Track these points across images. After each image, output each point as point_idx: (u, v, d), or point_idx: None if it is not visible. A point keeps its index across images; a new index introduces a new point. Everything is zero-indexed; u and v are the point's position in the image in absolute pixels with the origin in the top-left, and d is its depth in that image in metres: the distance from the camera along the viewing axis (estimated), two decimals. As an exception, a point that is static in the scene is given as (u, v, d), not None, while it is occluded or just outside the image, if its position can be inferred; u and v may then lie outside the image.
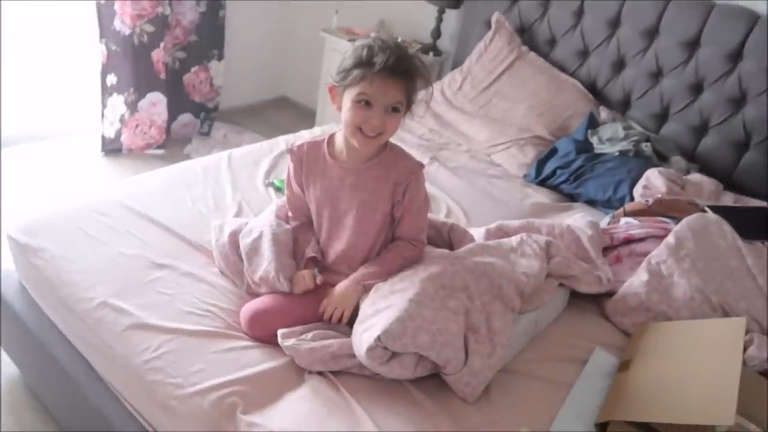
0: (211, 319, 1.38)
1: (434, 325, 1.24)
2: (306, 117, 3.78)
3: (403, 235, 1.48)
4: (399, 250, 1.46)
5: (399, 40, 1.32)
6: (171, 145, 3.24)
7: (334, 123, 2.62)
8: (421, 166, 1.45)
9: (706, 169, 2.41)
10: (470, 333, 1.29)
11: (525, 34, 2.84)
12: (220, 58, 3.28)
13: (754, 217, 2.01)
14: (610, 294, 1.69)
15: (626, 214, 1.94)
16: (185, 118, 3.32)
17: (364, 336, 1.23)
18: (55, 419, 1.69)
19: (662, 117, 2.57)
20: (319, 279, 1.44)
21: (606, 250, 1.81)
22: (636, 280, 1.66)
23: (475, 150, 2.55)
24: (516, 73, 2.72)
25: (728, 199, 2.19)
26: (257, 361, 1.30)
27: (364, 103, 1.30)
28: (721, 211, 1.95)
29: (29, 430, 1.68)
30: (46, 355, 1.54)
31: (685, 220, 1.81)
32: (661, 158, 2.41)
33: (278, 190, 1.95)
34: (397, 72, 1.27)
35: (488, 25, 2.88)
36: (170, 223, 1.67)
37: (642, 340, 1.49)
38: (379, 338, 1.20)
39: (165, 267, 1.51)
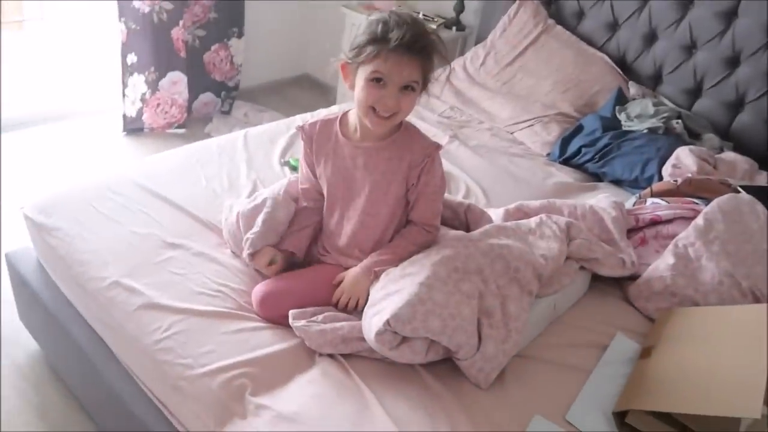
0: (222, 300, 1.37)
1: (446, 309, 1.20)
2: (328, 95, 3.73)
3: (416, 219, 1.43)
4: (412, 236, 1.41)
5: (419, 14, 1.24)
6: (192, 124, 3.24)
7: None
8: (437, 147, 1.38)
9: (740, 148, 2.31)
10: (484, 317, 1.25)
11: (551, 6, 2.74)
12: (240, 35, 3.25)
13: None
14: (633, 277, 1.63)
15: (653, 195, 1.86)
16: (206, 97, 3.31)
17: (373, 320, 1.20)
18: (74, 394, 1.71)
19: (695, 92, 2.45)
20: (275, 266, 1.41)
21: (631, 231, 1.74)
22: (662, 264, 1.60)
23: (497, 128, 2.48)
24: (541, 47, 2.63)
25: (763, 179, 2.09)
26: (267, 343, 1.28)
27: (377, 81, 1.24)
28: (754, 191, 1.86)
29: (52, 406, 1.71)
30: (64, 333, 1.55)
31: (715, 201, 1.73)
32: (693, 136, 2.31)
33: (294, 169, 1.92)
34: (413, 49, 1.21)
35: (514, -2, 2.78)
36: (183, 203, 1.66)
37: (666, 327, 1.43)
38: (388, 322, 1.17)
39: (177, 247, 1.50)
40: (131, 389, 1.38)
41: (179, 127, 3.18)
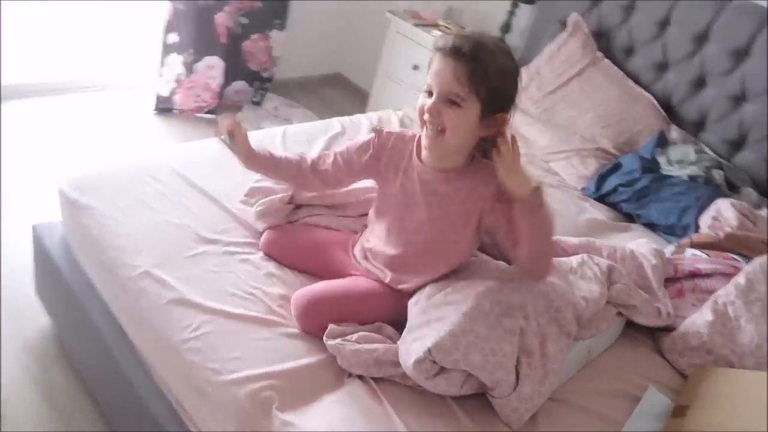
0: (254, 303, 1.33)
1: (487, 344, 1.17)
2: (359, 98, 3.71)
3: (514, 252, 1.29)
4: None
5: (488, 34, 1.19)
6: (222, 111, 3.21)
7: (391, 109, 2.55)
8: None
9: (777, 205, 2.27)
10: (523, 356, 1.21)
11: (602, 38, 2.70)
12: (282, 28, 3.22)
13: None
14: (666, 329, 1.59)
15: (693, 246, 1.82)
16: (239, 85, 3.28)
17: (412, 346, 1.17)
18: (82, 377, 1.68)
19: (738, 144, 2.41)
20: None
21: (668, 281, 1.70)
22: (699, 319, 1.56)
23: (533, 155, 2.44)
24: (587, 79, 2.59)
25: (803, 242, 2.05)
26: (297, 355, 1.24)
27: (427, 91, 1.22)
28: (795, 254, 1.83)
29: (57, 385, 1.67)
30: (83, 315, 1.52)
31: (757, 260, 1.69)
32: (731, 188, 2.27)
33: (331, 173, 1.89)
34: (456, 53, 1.14)
35: (563, 25, 2.75)
36: (220, 196, 1.62)
37: (701, 387, 1.39)
38: (429, 351, 1.13)
39: (211, 242, 1.47)
40: (147, 382, 1.35)
41: (209, 112, 3.15)
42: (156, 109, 3.02)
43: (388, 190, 1.39)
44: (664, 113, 2.52)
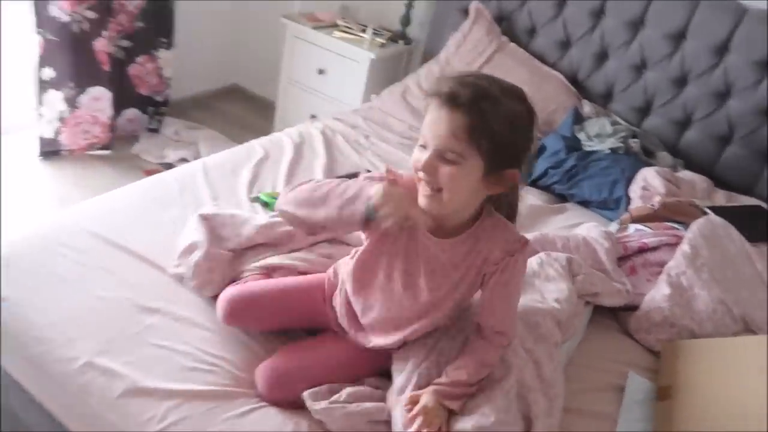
0: (219, 376, 1.19)
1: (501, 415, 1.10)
2: (262, 109, 3.54)
3: (487, 324, 1.16)
4: (482, 355, 1.16)
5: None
6: (117, 145, 2.93)
7: (308, 121, 2.42)
8: (524, 243, 1.12)
9: (688, 164, 2.40)
10: (527, 393, 1.16)
11: (504, 23, 2.72)
12: (169, 46, 2.98)
13: (753, 218, 2.01)
14: (629, 308, 1.62)
15: (633, 220, 1.87)
16: (131, 113, 3.01)
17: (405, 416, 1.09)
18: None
19: (645, 110, 2.52)
20: None
21: (620, 260, 1.73)
22: (657, 294, 1.60)
23: (460, 148, 2.42)
24: (496, 65, 2.60)
25: (720, 197, 2.18)
26: (279, 425, 1.13)
27: (421, 144, 1.05)
28: (720, 212, 1.93)
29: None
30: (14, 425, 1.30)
31: (695, 226, 1.76)
32: (647, 154, 2.37)
33: (265, 205, 1.75)
34: (452, 103, 0.98)
35: (464, 13, 2.74)
36: (151, 254, 1.45)
37: (677, 363, 1.43)
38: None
39: (155, 311, 1.30)
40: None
41: (102, 148, 2.87)
42: (41, 154, 2.70)
43: (383, 246, 1.17)
44: (574, 89, 2.58)
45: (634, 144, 2.33)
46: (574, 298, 1.44)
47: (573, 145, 2.32)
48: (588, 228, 1.76)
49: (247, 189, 1.82)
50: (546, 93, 2.54)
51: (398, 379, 1.17)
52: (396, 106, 2.58)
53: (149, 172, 2.83)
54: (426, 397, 1.10)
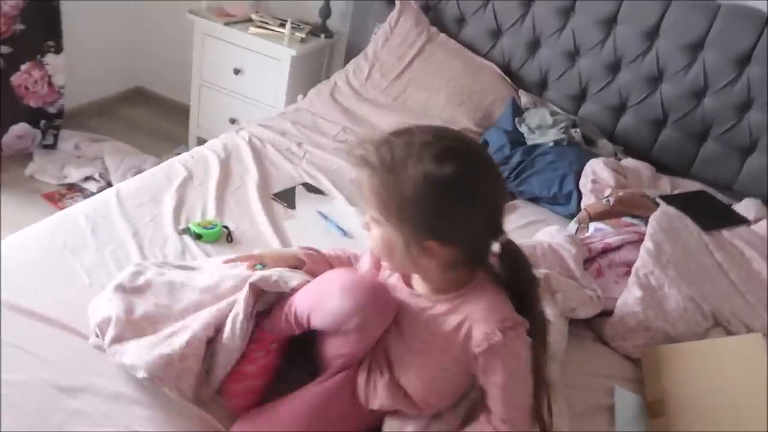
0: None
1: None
2: (174, 114, 3.23)
3: (490, 407, 1.00)
4: None
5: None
6: (7, 167, 2.56)
7: (234, 131, 2.19)
8: (500, 341, 0.93)
9: (626, 150, 2.39)
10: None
11: (430, 12, 2.58)
12: (59, 50, 2.62)
13: (702, 204, 2.01)
14: (601, 314, 1.55)
15: (591, 218, 1.81)
16: (20, 129, 2.63)
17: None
18: None
19: (580, 98, 2.49)
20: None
21: (585, 263, 1.66)
22: (629, 298, 1.54)
23: (399, 149, 2.27)
24: (428, 58, 2.47)
25: (665, 183, 2.17)
26: None
27: None
28: (670, 201, 1.91)
29: None
30: None
31: (653, 221, 1.72)
32: (588, 143, 2.34)
33: (198, 237, 1.53)
34: (362, 165, 0.92)
35: (388, 3, 2.58)
36: (66, 317, 1.20)
37: (661, 373, 1.37)
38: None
39: (80, 391, 1.07)
40: None
41: (-11, 172, 2.49)
42: None
43: None
44: (508, 79, 2.50)
45: (576, 134, 2.29)
46: (561, 325, 1.34)
47: (516, 139, 2.24)
48: (551, 233, 1.67)
49: (172, 219, 1.58)
50: (482, 84, 2.44)
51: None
52: (326, 106, 2.39)
53: (49, 196, 2.50)
54: None
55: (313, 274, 1.13)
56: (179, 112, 3.14)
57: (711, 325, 1.55)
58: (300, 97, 2.51)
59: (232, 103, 2.84)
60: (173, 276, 1.21)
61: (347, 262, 1.25)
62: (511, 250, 0.95)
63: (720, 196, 2.15)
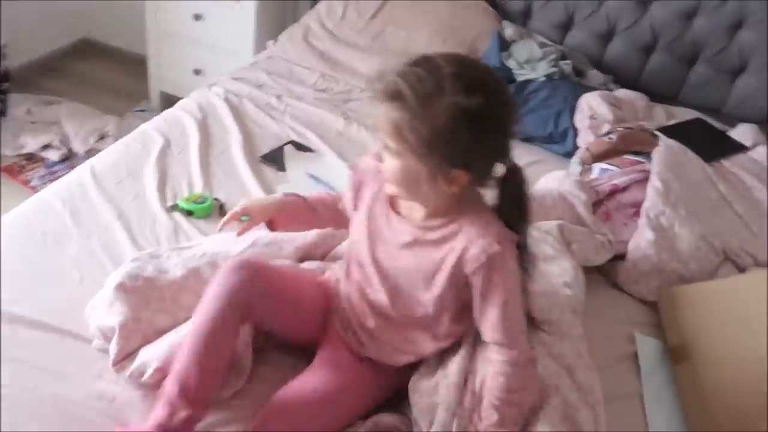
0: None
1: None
2: (130, 67, 2.99)
3: (487, 337, 1.01)
4: (500, 384, 0.98)
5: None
6: (-46, 142, 2.34)
7: (205, 86, 2.02)
8: (499, 252, 0.95)
9: (615, 79, 2.32)
10: (572, 413, 1.02)
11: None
12: (-6, 5, 2.35)
13: (700, 133, 1.97)
14: (612, 258, 1.52)
15: (594, 159, 1.75)
16: (-37, 97, 2.40)
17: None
18: None
19: (566, 26, 2.38)
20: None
21: (593, 206, 1.61)
22: (642, 241, 1.50)
23: (383, 94, 2.15)
24: (410, -9, 2.30)
25: (661, 112, 2.11)
26: None
27: None
28: (668, 133, 1.86)
29: None
30: None
31: (658, 158, 1.67)
32: (578, 74, 2.25)
33: (189, 214, 1.42)
34: (386, 97, 0.90)
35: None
36: (64, 321, 1.10)
37: (679, 316, 1.35)
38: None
39: (94, 400, 0.99)
40: None
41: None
42: None
43: (358, 230, 1.09)
44: (492, 10, 2.37)
45: (566, 66, 2.19)
46: (581, 275, 1.30)
47: (506, 75, 2.14)
48: (558, 179, 1.61)
49: (158, 196, 1.46)
50: (465, 18, 2.31)
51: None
52: (300, 52, 2.23)
53: (8, 170, 2.32)
54: None
55: (294, 220, 1.15)
56: (135, 65, 2.91)
57: (721, 261, 1.55)
58: (270, 43, 2.34)
59: (195, 52, 2.63)
60: (174, 271, 1.12)
61: (330, 203, 1.20)
62: (516, 171, 0.97)
63: (714, 123, 2.11)
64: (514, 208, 0.99)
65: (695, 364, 1.24)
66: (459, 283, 0.98)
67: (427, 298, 1.01)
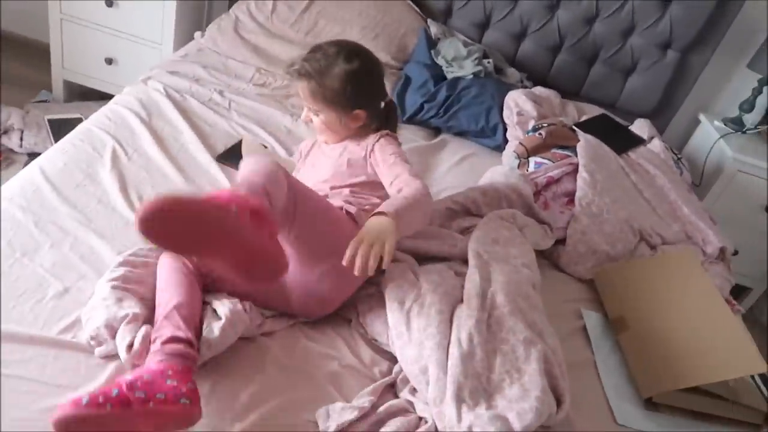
0: None
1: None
2: (25, 52, 2.74)
3: (396, 173, 1.31)
4: (410, 192, 1.22)
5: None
6: None
7: (140, 81, 1.94)
8: (384, 134, 1.40)
9: (529, 77, 2.53)
10: (550, 369, 1.17)
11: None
12: None
13: (608, 129, 2.22)
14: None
15: (529, 153, 1.93)
16: None
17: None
18: None
19: (484, 25, 2.55)
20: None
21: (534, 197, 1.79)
22: (578, 226, 1.70)
23: (321, 90, 2.19)
24: (337, -12, 2.34)
25: (571, 109, 2.35)
26: None
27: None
28: (582, 128, 2.09)
29: None
30: None
31: (582, 151, 1.88)
32: (498, 71, 2.43)
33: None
34: (300, 76, 1.36)
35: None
36: (53, 331, 1.06)
37: (615, 292, 1.57)
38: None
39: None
40: None
41: None
42: None
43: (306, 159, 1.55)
44: (417, 8, 2.48)
45: (489, 64, 2.36)
46: (534, 256, 1.46)
47: (436, 73, 2.27)
48: (504, 174, 1.76)
49: (123, 200, 1.41)
50: (393, 15, 2.40)
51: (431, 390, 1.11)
52: (232, 45, 2.21)
53: None
54: (371, 220, 1.12)
55: None
56: (36, 52, 2.68)
57: (638, 241, 1.79)
58: (198, 34, 2.27)
59: (106, 40, 2.48)
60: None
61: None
62: (390, 103, 1.50)
63: (616, 118, 2.39)
64: (390, 121, 1.48)
65: (632, 332, 1.45)
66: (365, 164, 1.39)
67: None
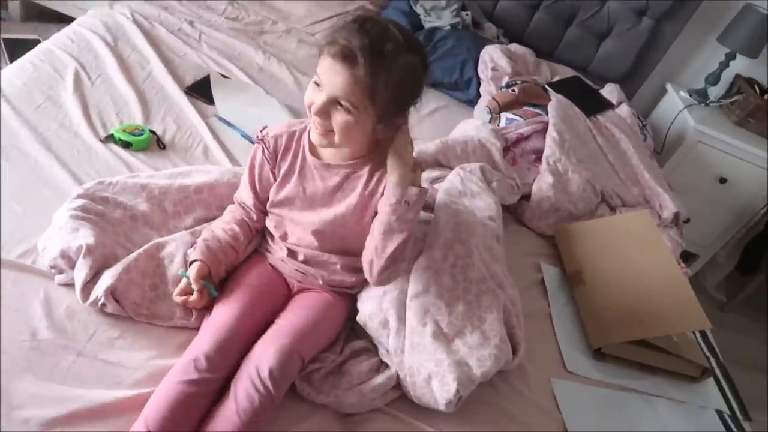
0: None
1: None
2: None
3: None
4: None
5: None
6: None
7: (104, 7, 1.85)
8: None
9: (507, 34, 2.52)
10: (508, 318, 1.22)
11: None
12: None
13: (578, 91, 2.24)
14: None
15: (501, 108, 1.94)
16: None
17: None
18: None
19: (463, -22, 2.50)
20: (199, 297, 1.07)
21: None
22: (543, 184, 1.73)
23: (296, 29, 2.13)
24: None
25: (545, 69, 2.36)
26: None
27: (315, 82, 1.03)
28: (555, 88, 2.10)
29: None
30: None
31: (553, 110, 1.90)
32: (475, 25, 2.41)
33: (127, 146, 1.35)
34: (346, 61, 0.97)
35: None
36: (13, 254, 1.03)
37: (574, 247, 1.62)
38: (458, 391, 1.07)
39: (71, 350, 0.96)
40: None
41: None
42: None
43: (289, 193, 1.17)
44: (396, -47, 2.41)
45: (467, 17, 2.34)
46: (500, 211, 1.49)
47: (414, 21, 2.24)
48: (476, 127, 1.77)
49: (86, 124, 1.36)
50: (372, -42, 2.32)
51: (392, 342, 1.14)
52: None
53: None
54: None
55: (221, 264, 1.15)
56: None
57: (599, 202, 1.84)
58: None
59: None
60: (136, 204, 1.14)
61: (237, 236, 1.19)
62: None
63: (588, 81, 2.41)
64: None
65: (587, 287, 1.51)
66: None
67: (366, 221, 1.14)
